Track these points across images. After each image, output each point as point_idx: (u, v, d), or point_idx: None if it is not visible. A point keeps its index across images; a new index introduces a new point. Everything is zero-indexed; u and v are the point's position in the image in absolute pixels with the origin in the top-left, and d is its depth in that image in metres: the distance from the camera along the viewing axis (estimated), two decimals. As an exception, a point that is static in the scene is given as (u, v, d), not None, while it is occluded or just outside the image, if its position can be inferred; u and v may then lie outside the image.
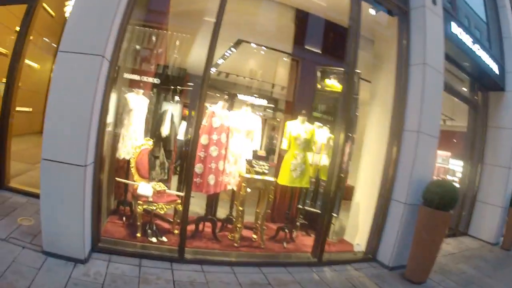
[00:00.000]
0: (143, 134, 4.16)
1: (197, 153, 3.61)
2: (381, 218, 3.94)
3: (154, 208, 3.55)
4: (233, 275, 3.25)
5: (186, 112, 5.45)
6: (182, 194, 3.68)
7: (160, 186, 3.74)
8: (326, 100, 5.12)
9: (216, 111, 3.84)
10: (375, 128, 4.40)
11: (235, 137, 4.06)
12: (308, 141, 4.32)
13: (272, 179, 4.07)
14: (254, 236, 4.16)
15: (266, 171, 4.06)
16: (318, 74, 5.13)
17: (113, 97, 3.32)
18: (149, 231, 3.59)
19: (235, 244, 3.87)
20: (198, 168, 3.74)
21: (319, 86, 5.20)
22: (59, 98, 2.74)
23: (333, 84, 5.08)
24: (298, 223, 4.67)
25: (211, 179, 3.79)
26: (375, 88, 4.58)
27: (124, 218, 3.93)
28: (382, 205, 3.97)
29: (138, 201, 3.51)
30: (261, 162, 4.06)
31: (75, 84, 2.73)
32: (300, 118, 4.36)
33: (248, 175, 3.95)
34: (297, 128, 4.35)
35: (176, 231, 3.83)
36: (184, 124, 5.19)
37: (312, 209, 4.74)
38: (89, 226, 2.94)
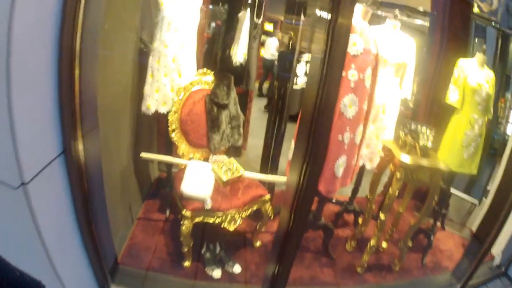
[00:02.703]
0: (193, 65, 2.14)
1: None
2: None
3: (218, 221, 1.81)
4: None
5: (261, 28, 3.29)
6: (279, 179, 1.99)
7: (231, 169, 1.95)
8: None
9: (356, 23, 1.67)
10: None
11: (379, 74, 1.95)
12: (489, 98, 2.30)
13: (443, 166, 1.98)
14: (384, 246, 2.48)
15: (430, 145, 2.00)
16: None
17: None
18: (207, 254, 1.95)
19: (359, 270, 2.21)
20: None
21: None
22: None
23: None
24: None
25: (340, 166, 1.76)
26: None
27: (167, 212, 2.31)
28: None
29: (185, 211, 1.74)
30: (423, 128, 1.97)
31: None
32: (478, 56, 2.25)
33: (407, 157, 1.89)
34: (475, 73, 2.22)
35: (258, 244, 2.19)
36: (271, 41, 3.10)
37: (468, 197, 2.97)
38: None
